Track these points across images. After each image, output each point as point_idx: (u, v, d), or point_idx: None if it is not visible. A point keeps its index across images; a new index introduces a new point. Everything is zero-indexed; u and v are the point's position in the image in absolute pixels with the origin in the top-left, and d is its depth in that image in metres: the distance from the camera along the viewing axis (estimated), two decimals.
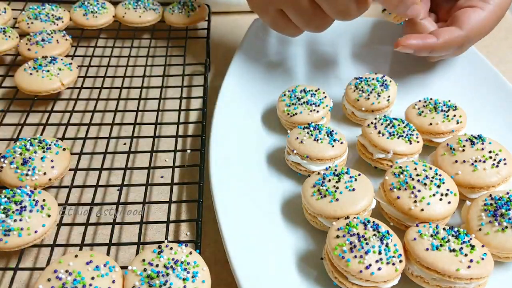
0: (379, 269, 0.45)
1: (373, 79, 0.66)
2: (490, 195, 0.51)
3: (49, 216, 0.50)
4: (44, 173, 0.54)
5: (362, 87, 0.65)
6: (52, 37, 0.74)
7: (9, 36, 0.75)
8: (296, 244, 0.52)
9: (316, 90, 0.65)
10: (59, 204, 0.53)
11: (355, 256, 0.45)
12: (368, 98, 0.64)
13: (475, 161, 0.55)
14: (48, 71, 0.67)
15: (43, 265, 0.49)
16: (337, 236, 0.47)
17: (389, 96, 0.64)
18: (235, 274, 0.47)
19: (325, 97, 0.65)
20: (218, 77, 0.76)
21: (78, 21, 0.80)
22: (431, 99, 0.64)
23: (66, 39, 0.76)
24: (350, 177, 0.53)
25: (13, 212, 0.49)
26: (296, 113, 0.63)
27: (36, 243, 0.49)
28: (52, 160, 0.55)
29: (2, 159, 0.55)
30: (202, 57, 0.78)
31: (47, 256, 0.49)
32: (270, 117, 0.67)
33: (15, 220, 0.48)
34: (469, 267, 0.44)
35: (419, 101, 0.64)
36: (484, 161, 0.54)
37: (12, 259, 0.51)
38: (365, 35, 0.82)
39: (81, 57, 0.77)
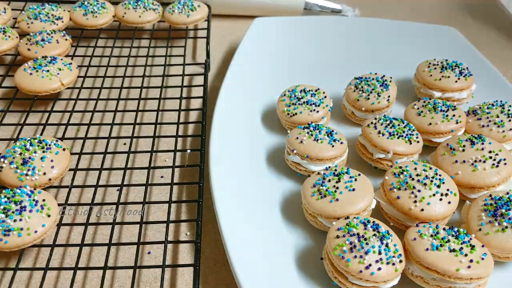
0: (379, 269, 0.44)
1: (373, 79, 0.66)
2: (490, 195, 0.51)
3: (49, 216, 0.50)
4: (44, 173, 0.54)
5: (362, 87, 0.65)
6: (52, 37, 0.74)
7: (9, 36, 0.75)
8: (296, 244, 0.52)
9: (316, 90, 0.65)
10: (59, 204, 0.53)
11: (355, 256, 0.45)
12: (368, 98, 0.64)
13: (475, 161, 0.55)
14: (48, 71, 0.67)
15: (42, 265, 0.49)
16: (337, 236, 0.47)
17: (389, 96, 0.64)
18: (235, 274, 0.47)
19: (325, 97, 0.65)
20: (218, 77, 0.76)
21: (78, 21, 0.80)
22: (430, 98, 0.64)
23: (66, 39, 0.75)
24: (350, 177, 0.53)
25: (13, 212, 0.49)
26: (296, 113, 0.62)
27: (36, 243, 0.49)
28: (52, 160, 0.55)
29: (2, 159, 0.55)
30: (202, 57, 0.79)
31: (47, 256, 0.49)
32: (270, 117, 0.67)
33: (15, 220, 0.48)
34: (469, 267, 0.44)
35: (418, 100, 0.64)
36: (484, 161, 0.54)
37: (12, 259, 0.51)
38: (365, 35, 0.82)
39: (81, 57, 0.77)
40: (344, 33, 0.82)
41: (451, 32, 0.81)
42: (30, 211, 0.49)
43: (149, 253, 0.52)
